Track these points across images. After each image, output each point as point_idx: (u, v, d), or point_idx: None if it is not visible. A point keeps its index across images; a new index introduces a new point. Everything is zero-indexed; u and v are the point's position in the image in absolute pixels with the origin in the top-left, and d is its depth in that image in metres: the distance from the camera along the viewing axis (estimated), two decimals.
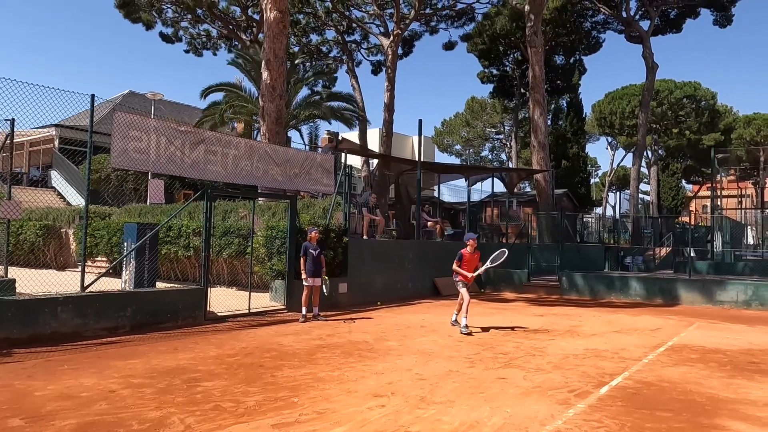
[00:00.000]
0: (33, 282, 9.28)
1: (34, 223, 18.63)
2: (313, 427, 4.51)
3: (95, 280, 8.31)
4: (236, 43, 32.65)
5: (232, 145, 10.23)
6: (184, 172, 9.44)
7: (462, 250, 9.52)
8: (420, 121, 16.25)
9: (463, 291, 9.36)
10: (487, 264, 9.65)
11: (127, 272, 9.34)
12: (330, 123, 30.07)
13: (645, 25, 32.54)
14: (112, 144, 8.38)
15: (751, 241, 33.55)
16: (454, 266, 9.49)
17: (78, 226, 17.41)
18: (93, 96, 8.29)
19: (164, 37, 30.73)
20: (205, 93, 24.02)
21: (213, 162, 9.83)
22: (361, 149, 22.39)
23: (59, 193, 26.69)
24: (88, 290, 8.21)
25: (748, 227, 34.24)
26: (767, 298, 13.10)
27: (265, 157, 10.86)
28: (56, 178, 27.32)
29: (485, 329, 9.66)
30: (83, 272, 8.25)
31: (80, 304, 7.89)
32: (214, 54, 33.75)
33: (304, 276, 10.21)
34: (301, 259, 10.17)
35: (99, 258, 17.02)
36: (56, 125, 26.50)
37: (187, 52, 32.27)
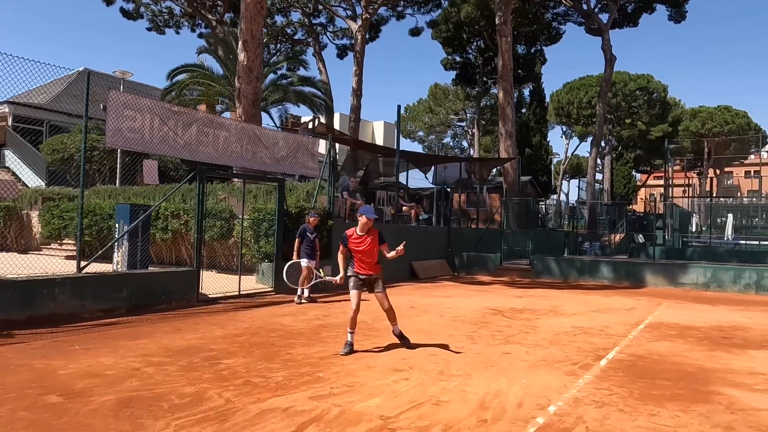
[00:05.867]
0: (9, 265, 8.76)
1: None
2: (349, 398, 4.71)
3: (90, 262, 8.20)
4: (200, 21, 31.83)
5: (224, 127, 10.18)
6: (177, 153, 9.37)
7: (347, 231, 6.47)
8: (399, 107, 16.37)
9: (353, 294, 6.49)
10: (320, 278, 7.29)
11: (119, 254, 9.21)
12: (298, 107, 29.76)
13: (604, 17, 33.55)
14: (107, 123, 8.24)
15: (694, 228, 35.40)
16: (338, 255, 6.65)
17: (43, 208, 16.84)
18: (89, 73, 8.11)
19: (125, 13, 29.66)
20: (172, 74, 23.42)
21: (205, 143, 9.77)
22: (338, 134, 22.37)
23: (14, 174, 25.55)
24: (84, 271, 8.09)
25: (693, 215, 36.09)
26: (724, 280, 14.04)
27: (255, 139, 10.84)
28: (11, 158, 26.13)
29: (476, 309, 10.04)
30: (79, 254, 8.11)
31: (78, 285, 7.78)
32: (177, 32, 32.81)
33: (295, 257, 10.30)
34: (297, 240, 10.26)
35: (66, 240, 16.58)
36: (9, 102, 25.28)
37: (149, 29, 31.26)
